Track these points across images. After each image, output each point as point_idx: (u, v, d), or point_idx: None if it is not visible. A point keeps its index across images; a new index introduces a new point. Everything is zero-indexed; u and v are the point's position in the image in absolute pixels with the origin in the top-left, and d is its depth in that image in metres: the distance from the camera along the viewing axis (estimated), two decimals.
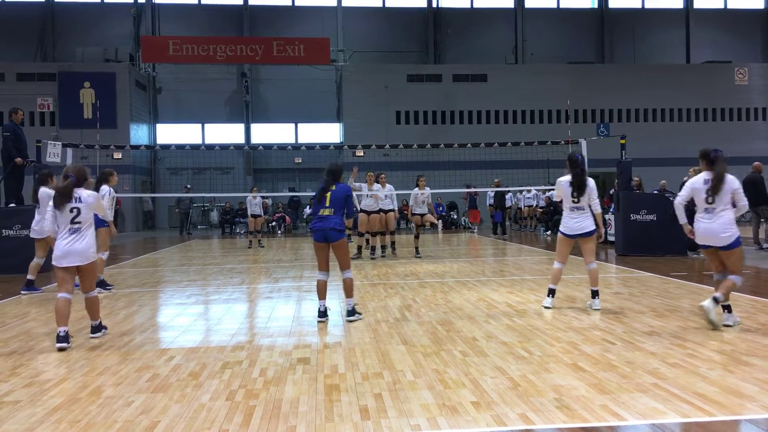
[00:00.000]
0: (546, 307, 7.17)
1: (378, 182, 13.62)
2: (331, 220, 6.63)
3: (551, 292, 7.26)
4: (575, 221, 7.05)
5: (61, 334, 5.71)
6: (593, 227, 7.05)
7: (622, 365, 4.79)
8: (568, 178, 7.10)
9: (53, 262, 5.98)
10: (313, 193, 7.04)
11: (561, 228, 7.21)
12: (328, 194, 6.72)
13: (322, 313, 6.73)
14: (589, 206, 7.06)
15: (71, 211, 5.93)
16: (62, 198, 5.93)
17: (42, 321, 7.05)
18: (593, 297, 7.09)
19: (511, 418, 3.72)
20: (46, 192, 8.69)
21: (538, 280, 9.59)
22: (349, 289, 6.79)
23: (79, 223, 5.96)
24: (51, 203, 6.04)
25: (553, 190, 8.05)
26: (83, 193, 6.05)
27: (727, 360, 4.88)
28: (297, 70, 30.44)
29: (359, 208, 13.51)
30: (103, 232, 8.97)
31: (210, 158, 26.91)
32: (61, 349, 5.63)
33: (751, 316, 6.52)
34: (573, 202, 7.03)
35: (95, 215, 8.82)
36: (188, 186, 26.36)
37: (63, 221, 5.93)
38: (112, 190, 9.22)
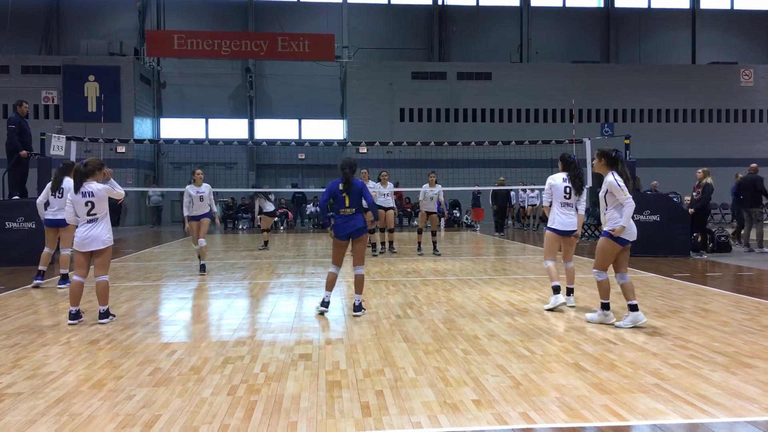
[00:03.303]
0: (561, 304, 6.98)
1: (380, 180, 13.67)
2: (356, 219, 6.81)
3: (557, 290, 7.08)
4: (566, 217, 7.09)
5: (72, 312, 6.44)
6: (576, 226, 7.20)
7: (624, 365, 4.78)
8: (562, 175, 7.16)
9: (74, 247, 6.59)
10: (318, 189, 7.16)
11: (552, 225, 7.15)
12: (349, 190, 6.78)
13: (326, 303, 6.91)
14: (575, 206, 7.17)
15: (86, 204, 6.46)
16: (77, 181, 6.51)
17: (45, 313, 7.07)
18: (569, 294, 7.23)
19: (512, 417, 3.72)
20: (69, 182, 8.85)
21: (540, 279, 9.58)
22: (360, 285, 6.97)
23: (95, 214, 6.51)
24: (71, 194, 6.57)
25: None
26: (95, 187, 6.53)
27: (730, 362, 4.87)
28: (301, 66, 30.42)
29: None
30: (192, 225, 10.81)
31: (213, 153, 26.84)
32: (71, 325, 6.31)
33: (753, 318, 6.51)
34: (565, 198, 7.08)
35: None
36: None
37: (81, 213, 6.48)
38: (192, 187, 10.69)
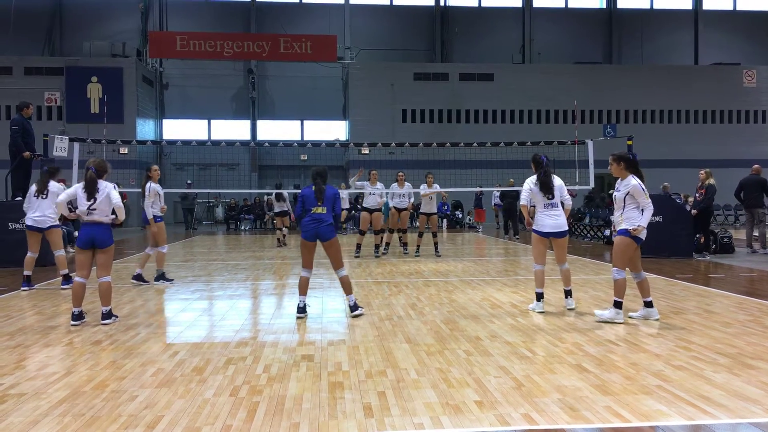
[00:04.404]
0: (538, 312, 6.97)
1: (397, 181, 13.61)
2: (325, 219, 6.80)
3: (540, 297, 7.08)
4: (551, 219, 7.00)
5: (75, 313, 6.42)
6: (567, 227, 7.13)
7: (627, 367, 4.78)
8: (535, 178, 7.11)
9: (77, 244, 6.57)
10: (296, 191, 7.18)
11: (535, 227, 7.10)
12: (322, 195, 6.84)
13: (302, 309, 6.83)
14: (561, 203, 7.11)
15: (89, 199, 6.46)
16: (89, 190, 6.47)
17: (47, 314, 7.08)
18: (567, 297, 7.14)
19: (514, 418, 3.71)
20: (55, 185, 8.91)
21: None
22: (347, 286, 6.93)
23: (95, 209, 6.47)
24: (78, 187, 6.55)
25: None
26: (101, 185, 6.56)
27: (733, 363, 4.86)
28: (303, 67, 30.45)
29: (362, 206, 13.63)
30: (161, 227, 9.40)
31: (216, 154, 26.93)
32: (74, 326, 6.31)
33: (756, 319, 6.50)
34: (548, 199, 7.00)
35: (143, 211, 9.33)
36: (189, 182, 26.42)
37: (82, 207, 6.46)
38: (158, 186, 9.47)
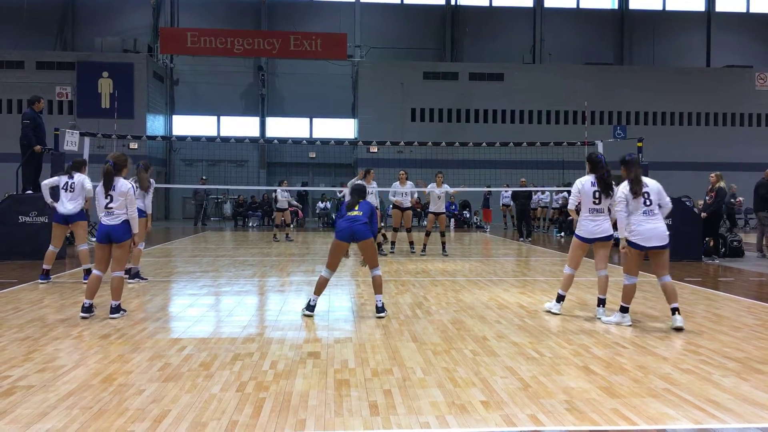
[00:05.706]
0: (554, 313, 6.88)
1: (399, 179, 13.62)
2: (360, 218, 6.75)
3: (560, 299, 6.95)
4: (595, 224, 6.67)
5: (86, 305, 6.48)
6: (611, 231, 6.76)
7: (634, 369, 4.76)
8: (590, 178, 6.74)
9: (95, 239, 6.72)
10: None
11: (578, 232, 6.79)
12: (357, 204, 6.91)
13: (312, 308, 6.78)
14: (608, 209, 6.73)
15: (106, 197, 6.57)
16: (105, 184, 6.58)
17: (56, 307, 7.12)
18: (599, 305, 6.73)
19: (520, 419, 3.71)
20: (81, 177, 8.88)
21: (550, 282, 9.54)
22: (379, 286, 6.86)
23: (112, 208, 6.56)
24: (99, 187, 6.65)
25: (565, 192, 7.77)
26: (118, 182, 6.64)
27: (741, 367, 4.83)
28: (313, 65, 30.50)
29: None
30: (141, 223, 8.68)
31: (225, 151, 27.00)
32: (83, 318, 6.37)
33: (765, 324, 6.46)
34: (594, 203, 6.67)
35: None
36: (204, 177, 26.52)
37: (101, 206, 6.59)
38: (153, 181, 9.32)
